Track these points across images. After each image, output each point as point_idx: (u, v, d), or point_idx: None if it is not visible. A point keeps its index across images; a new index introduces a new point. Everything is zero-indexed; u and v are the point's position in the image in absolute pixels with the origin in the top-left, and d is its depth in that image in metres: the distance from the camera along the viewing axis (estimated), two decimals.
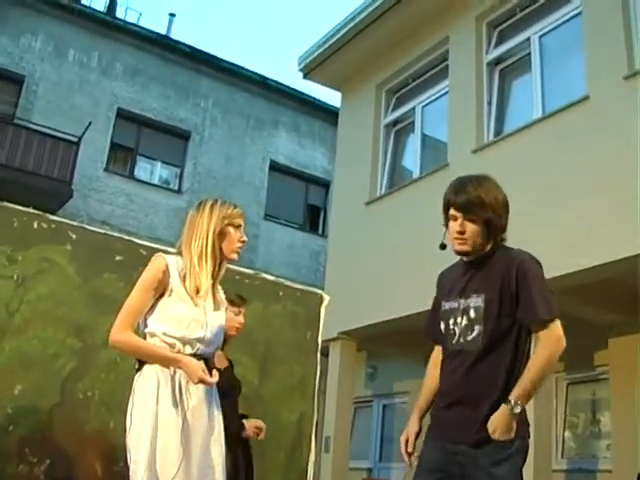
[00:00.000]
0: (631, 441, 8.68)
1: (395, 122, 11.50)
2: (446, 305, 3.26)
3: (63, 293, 4.75)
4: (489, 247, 3.19)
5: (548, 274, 7.83)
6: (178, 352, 3.12)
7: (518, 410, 2.89)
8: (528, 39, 9.25)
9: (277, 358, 4.51)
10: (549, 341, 2.99)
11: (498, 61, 9.72)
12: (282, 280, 5.48)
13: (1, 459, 4.36)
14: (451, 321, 3.20)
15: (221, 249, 3.30)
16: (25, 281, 4.65)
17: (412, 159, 11.04)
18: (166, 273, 3.17)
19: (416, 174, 10.59)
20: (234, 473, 4.33)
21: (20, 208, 4.81)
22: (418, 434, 3.29)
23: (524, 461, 3.06)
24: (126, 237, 5.30)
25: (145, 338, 3.16)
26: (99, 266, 4.90)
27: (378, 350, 12.07)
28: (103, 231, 5.29)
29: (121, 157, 16.88)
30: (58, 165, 14.33)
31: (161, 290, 3.17)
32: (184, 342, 3.15)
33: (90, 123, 15.08)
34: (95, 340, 4.79)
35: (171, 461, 2.98)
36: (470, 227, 3.13)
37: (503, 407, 2.90)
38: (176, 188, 17.11)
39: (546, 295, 3.06)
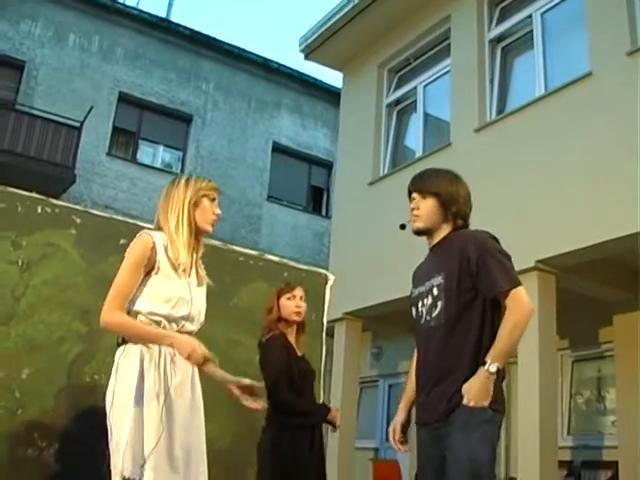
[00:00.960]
0: (636, 417, 8.70)
1: (397, 102, 11.47)
2: (415, 291, 3.43)
3: (68, 277, 4.76)
4: (448, 230, 3.33)
5: (551, 252, 7.86)
6: (164, 329, 3.14)
7: (494, 369, 2.95)
8: (530, 16, 9.20)
9: None
10: (514, 307, 3.06)
11: (500, 39, 9.68)
12: (286, 261, 5.49)
13: (10, 443, 4.39)
14: (419, 304, 3.35)
15: (197, 221, 3.31)
16: (30, 266, 4.66)
17: (414, 139, 11.02)
18: (153, 250, 3.18)
19: (419, 154, 10.57)
20: (322, 464, 4.34)
21: (24, 193, 4.81)
22: (407, 424, 3.42)
23: (497, 438, 3.09)
24: (130, 220, 5.30)
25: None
26: (103, 250, 4.90)
27: (383, 330, 12.10)
28: (107, 215, 5.28)
29: (123, 141, 16.86)
30: (60, 150, 14.32)
31: (148, 268, 3.17)
32: (169, 320, 3.16)
33: (92, 108, 15.05)
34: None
35: (150, 437, 2.97)
36: (422, 203, 3.35)
37: (480, 369, 2.97)
38: (178, 171, 17.07)
39: (504, 266, 3.15)
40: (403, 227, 3.52)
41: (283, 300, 4.45)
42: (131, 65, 16.74)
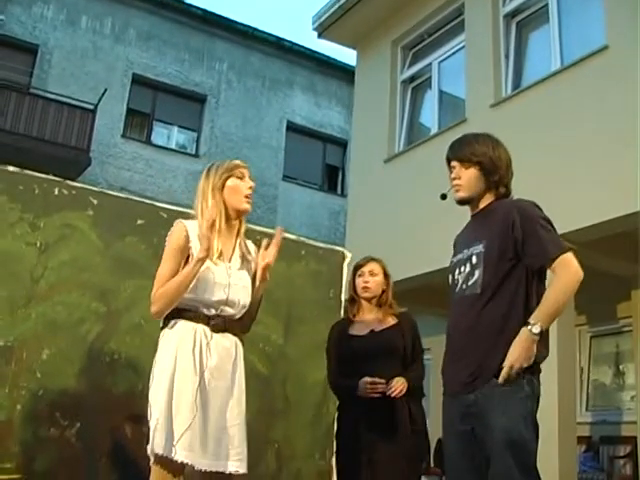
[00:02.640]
0: None
1: (412, 78, 11.40)
2: (454, 259, 3.34)
3: (86, 258, 4.77)
4: (491, 199, 3.26)
5: (568, 227, 7.81)
6: (201, 314, 3.19)
7: (537, 330, 2.89)
8: None
9: (301, 317, 4.52)
10: (563, 271, 3.00)
11: (515, 13, 9.58)
12: (304, 239, 5.48)
13: (33, 423, 4.42)
14: (456, 272, 3.27)
15: (230, 203, 3.31)
16: (48, 247, 4.67)
17: (429, 115, 10.96)
18: (187, 238, 3.22)
19: (434, 130, 10.52)
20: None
21: (40, 175, 4.82)
22: None
23: (536, 409, 3.03)
24: (147, 201, 5.30)
25: None
26: (121, 230, 4.91)
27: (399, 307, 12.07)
28: (124, 195, 5.29)
29: (138, 123, 16.90)
30: (75, 133, 14.38)
31: (185, 255, 3.21)
32: (206, 305, 3.19)
33: (106, 90, 15.08)
34: (119, 304, 4.83)
35: (183, 417, 3.03)
36: (464, 172, 3.24)
37: (522, 330, 2.91)
38: (193, 152, 17.12)
39: (551, 234, 3.09)
40: (444, 197, 3.40)
41: (356, 277, 4.44)
42: (144, 46, 16.74)
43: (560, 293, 2.99)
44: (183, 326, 3.17)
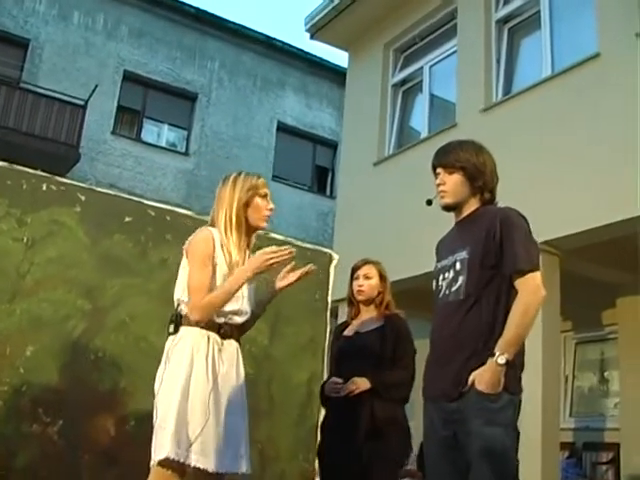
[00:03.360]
0: (638, 399, 8.72)
1: (403, 82, 11.41)
2: (438, 265, 3.37)
3: (73, 255, 4.75)
4: (476, 205, 3.28)
5: (555, 233, 7.83)
6: (212, 322, 3.28)
7: (502, 361, 2.90)
8: None
9: (287, 318, 4.52)
10: (525, 292, 3.02)
11: (507, 19, 9.60)
12: (291, 239, 5.48)
13: (15, 419, 4.40)
14: (441, 277, 3.29)
15: (248, 220, 3.40)
16: (35, 243, 4.65)
17: (420, 119, 10.97)
18: (214, 246, 3.29)
19: (424, 134, 10.53)
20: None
21: (29, 170, 4.80)
22: None
23: (517, 417, 3.06)
24: (135, 198, 5.29)
25: (179, 306, 3.32)
26: (108, 227, 4.90)
27: None
28: (112, 192, 5.27)
29: (128, 120, 16.87)
30: (65, 129, 14.33)
31: (213, 261, 3.28)
32: (218, 313, 3.28)
33: (96, 86, 15.04)
34: (105, 302, 4.81)
35: (196, 422, 3.10)
36: (449, 178, 3.27)
37: (489, 360, 2.93)
38: (183, 150, 17.10)
39: (528, 247, 3.10)
40: (429, 203, 3.45)
41: (352, 280, 4.51)
42: (136, 43, 16.70)
43: (522, 317, 2.99)
44: (196, 333, 3.24)
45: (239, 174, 3.49)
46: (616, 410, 9.49)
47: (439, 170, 3.33)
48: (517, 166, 8.01)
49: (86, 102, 14.68)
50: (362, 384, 4.16)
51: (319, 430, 4.45)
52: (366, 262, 4.58)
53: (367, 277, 4.46)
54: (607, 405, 9.90)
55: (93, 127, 15.36)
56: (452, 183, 3.27)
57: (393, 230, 9.90)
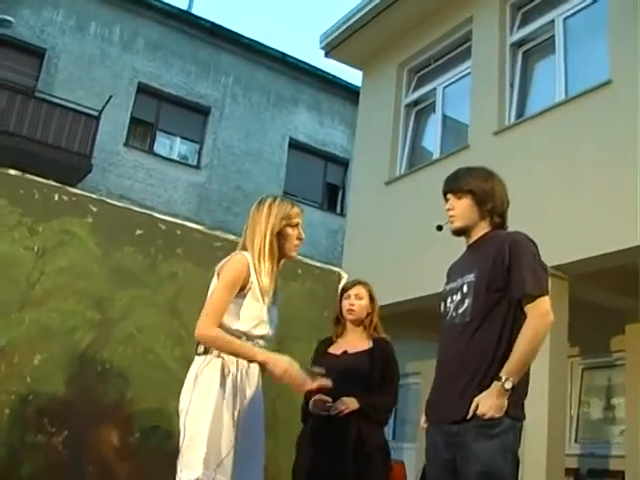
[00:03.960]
0: None
1: (416, 102, 11.44)
2: (447, 287, 3.39)
3: (83, 266, 4.77)
4: (486, 229, 3.32)
5: (565, 259, 7.81)
6: None
7: (509, 386, 2.92)
8: (552, 21, 9.15)
9: (294, 335, 4.53)
10: (534, 316, 3.04)
11: (521, 43, 9.64)
12: (300, 258, 5.49)
13: (20, 428, 4.41)
14: (449, 300, 3.32)
15: (281, 248, 3.44)
16: (45, 253, 4.67)
17: (432, 140, 11.00)
18: (248, 272, 3.31)
19: (436, 155, 10.55)
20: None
21: (41, 180, 4.83)
22: None
23: (518, 444, 3.06)
24: (147, 211, 5.31)
25: None
26: (119, 239, 4.92)
27: (392, 330, 12.00)
28: (124, 205, 5.30)
29: (141, 132, 16.92)
30: (78, 139, 14.38)
31: (241, 287, 3.30)
32: (248, 337, 3.32)
33: (111, 97, 15.10)
34: (114, 313, 4.83)
35: (224, 445, 3.14)
36: (458, 203, 3.33)
37: (494, 384, 2.94)
38: (195, 164, 17.14)
39: (536, 271, 3.12)
40: (440, 228, 3.49)
41: (342, 299, 4.54)
42: (151, 56, 16.79)
43: (530, 342, 3.01)
44: (225, 356, 3.26)
45: (274, 200, 3.51)
46: (622, 437, 9.43)
47: (449, 196, 3.38)
48: (528, 190, 8.01)
49: (100, 113, 14.75)
50: (351, 404, 4.17)
51: (295, 446, 4.40)
52: (357, 282, 4.65)
53: (358, 297, 4.50)
54: (613, 432, 9.84)
55: (106, 138, 15.42)
56: (461, 208, 3.32)
57: (403, 250, 9.90)
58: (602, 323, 9.39)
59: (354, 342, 4.44)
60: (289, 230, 3.45)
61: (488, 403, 2.92)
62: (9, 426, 4.38)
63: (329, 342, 4.52)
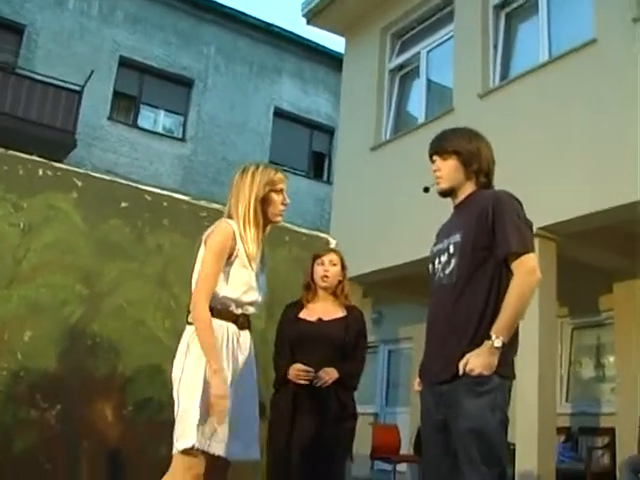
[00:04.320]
0: (634, 384, 8.76)
1: (400, 67, 11.39)
2: (434, 248, 3.40)
3: (70, 240, 4.75)
4: (471, 189, 3.32)
5: (553, 219, 7.83)
6: (230, 313, 3.33)
7: (499, 344, 2.93)
8: None
9: (283, 303, 4.52)
10: (521, 274, 3.05)
11: (504, 4, 9.58)
12: (288, 225, 5.48)
13: (13, 404, 4.41)
14: (436, 261, 3.33)
15: (266, 214, 3.45)
16: (32, 229, 4.65)
17: (417, 104, 10.96)
18: (234, 239, 3.32)
19: (421, 119, 10.53)
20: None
21: (25, 156, 4.79)
22: None
23: (507, 403, 3.08)
24: (132, 184, 5.28)
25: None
26: (105, 213, 4.90)
27: (384, 296, 12.13)
28: (108, 178, 5.26)
29: (124, 106, 16.81)
30: (61, 114, 14.27)
31: (228, 254, 3.31)
32: (237, 304, 3.34)
33: (92, 72, 14.97)
34: (102, 287, 4.82)
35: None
36: (444, 164, 3.34)
37: (485, 343, 2.95)
38: (180, 136, 17.06)
39: (520, 229, 3.12)
40: (427, 190, 3.50)
41: (315, 265, 4.52)
42: (132, 29, 16.63)
43: (518, 299, 3.02)
44: (216, 325, 3.25)
45: (257, 167, 3.50)
46: (612, 395, 9.53)
47: (435, 157, 3.39)
48: (514, 151, 8.01)
49: (82, 88, 14.62)
50: (333, 374, 4.25)
51: (271, 411, 4.40)
52: (330, 249, 4.72)
53: (332, 263, 4.51)
54: (603, 390, 9.94)
55: (89, 113, 15.30)
56: (447, 169, 3.33)
57: (390, 215, 9.91)
58: (591, 283, 9.44)
59: (327, 309, 4.46)
60: (273, 196, 3.46)
61: (478, 361, 2.94)
62: (1, 403, 4.38)
63: (299, 306, 4.52)
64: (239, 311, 3.36)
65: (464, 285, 3.11)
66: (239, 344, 3.34)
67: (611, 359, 9.72)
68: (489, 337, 2.95)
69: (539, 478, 7.32)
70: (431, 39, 10.78)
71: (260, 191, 3.41)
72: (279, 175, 3.52)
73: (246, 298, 3.35)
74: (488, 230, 3.11)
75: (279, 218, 3.52)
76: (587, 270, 8.94)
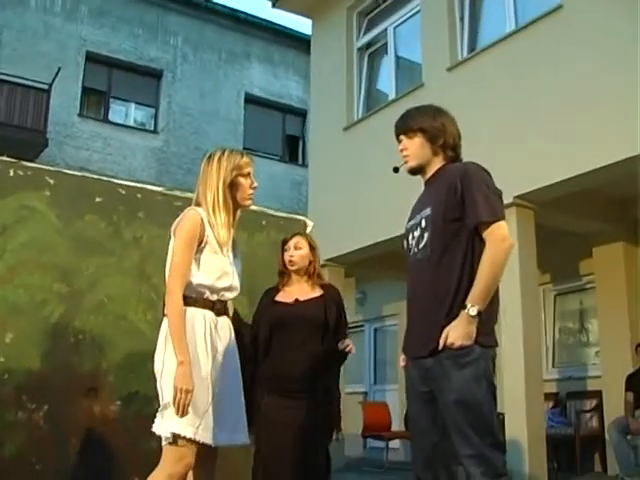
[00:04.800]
0: (618, 346, 8.84)
1: (368, 45, 11.37)
2: (407, 225, 3.43)
3: (46, 239, 4.72)
4: (440, 164, 3.35)
5: (528, 187, 7.85)
6: (206, 300, 3.33)
7: (474, 312, 2.96)
8: None
9: (263, 287, 4.51)
10: (492, 242, 3.07)
11: None
12: (264, 209, 5.47)
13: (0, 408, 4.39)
14: (410, 236, 3.36)
15: (235, 199, 3.44)
16: (6, 229, 4.60)
17: (387, 81, 10.96)
18: (202, 226, 3.32)
19: (392, 96, 10.52)
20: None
21: None
22: None
23: (492, 371, 3.10)
24: (105, 178, 5.24)
25: None
26: (79, 209, 4.86)
27: (366, 275, 12.17)
28: (80, 174, 5.22)
29: (94, 101, 16.69)
30: (30, 114, 14.16)
31: (198, 242, 3.31)
32: (212, 290, 3.35)
33: (59, 69, 14.83)
34: (81, 284, 4.79)
35: (202, 401, 3.17)
36: (410, 143, 3.38)
37: (461, 313, 2.98)
38: (152, 128, 16.97)
39: (489, 198, 3.13)
40: (396, 170, 3.53)
41: (283, 251, 4.52)
42: (97, 23, 16.47)
43: (492, 267, 3.04)
44: (192, 313, 3.27)
45: (223, 152, 3.49)
46: (597, 358, 9.62)
47: (401, 137, 3.42)
48: (486, 122, 8.03)
49: (50, 86, 14.49)
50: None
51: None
52: (296, 234, 4.69)
53: (297, 247, 4.50)
54: (588, 354, 10.03)
55: (59, 111, 15.18)
56: (414, 147, 3.36)
57: (365, 194, 9.92)
58: (570, 248, 9.51)
59: (303, 290, 4.46)
60: (241, 180, 3.45)
61: (456, 332, 2.96)
62: None
63: (274, 291, 4.51)
64: (214, 297, 3.35)
65: (439, 257, 3.13)
66: (217, 331, 3.34)
67: (594, 322, 9.80)
68: (464, 307, 2.97)
69: (529, 445, 7.39)
70: (397, 15, 10.76)
71: (227, 176, 3.40)
72: (245, 159, 3.50)
73: (220, 284, 3.35)
74: (458, 202, 3.13)
75: (249, 202, 3.51)
76: (566, 236, 9.00)
